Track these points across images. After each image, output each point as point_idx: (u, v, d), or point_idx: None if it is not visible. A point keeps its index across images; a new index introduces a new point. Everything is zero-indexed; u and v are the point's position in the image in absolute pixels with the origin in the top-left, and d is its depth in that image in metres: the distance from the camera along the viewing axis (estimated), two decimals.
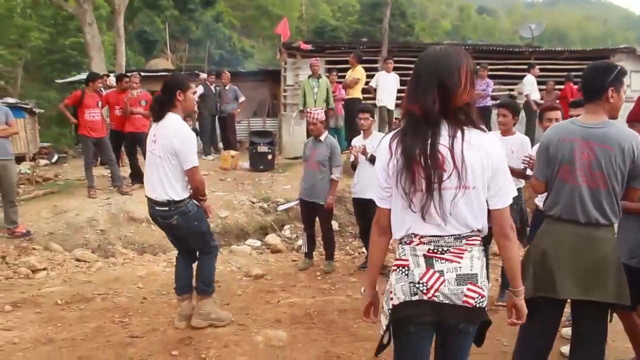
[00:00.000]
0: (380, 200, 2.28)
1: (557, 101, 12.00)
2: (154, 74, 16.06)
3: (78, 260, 6.75)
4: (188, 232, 4.37)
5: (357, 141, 6.42)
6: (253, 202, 8.58)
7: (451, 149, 2.06)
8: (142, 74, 14.73)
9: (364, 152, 6.14)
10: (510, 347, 3.97)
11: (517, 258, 2.26)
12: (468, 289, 2.13)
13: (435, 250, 2.14)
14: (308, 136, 9.91)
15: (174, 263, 6.50)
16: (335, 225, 8.27)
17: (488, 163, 2.11)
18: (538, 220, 3.86)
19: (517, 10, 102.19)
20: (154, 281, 5.96)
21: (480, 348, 2.35)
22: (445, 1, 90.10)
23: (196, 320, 4.51)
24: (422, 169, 2.08)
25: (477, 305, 2.14)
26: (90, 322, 4.67)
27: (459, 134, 2.08)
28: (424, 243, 2.16)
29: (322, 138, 6.31)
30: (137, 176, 9.30)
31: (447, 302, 2.12)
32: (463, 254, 2.15)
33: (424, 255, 2.15)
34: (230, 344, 4.25)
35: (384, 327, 2.27)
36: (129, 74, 9.98)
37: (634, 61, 15.38)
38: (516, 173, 5.04)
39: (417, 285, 2.13)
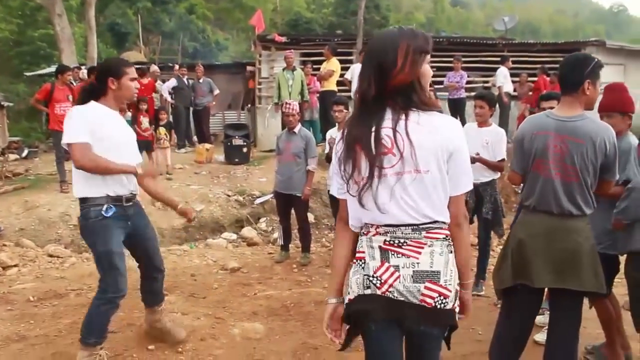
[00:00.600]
0: (339, 191, 2.12)
1: (530, 93, 12.18)
2: None
3: (51, 256, 6.65)
4: (87, 243, 3.61)
5: (332, 133, 6.43)
6: (229, 195, 8.56)
7: (396, 132, 1.94)
8: None
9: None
10: (484, 336, 4.03)
11: (469, 249, 2.14)
12: (426, 287, 1.95)
13: (392, 242, 1.98)
14: (283, 128, 9.92)
15: None
16: (311, 217, 8.28)
17: (443, 144, 1.95)
18: None
19: (490, 3, 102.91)
20: (129, 276, 5.86)
21: (455, 337, 2.23)
22: None
23: None
24: (363, 153, 1.96)
25: (438, 306, 1.96)
26: (64, 319, 4.61)
27: (402, 116, 1.95)
28: (380, 234, 2.01)
29: (296, 130, 6.31)
30: None
31: (402, 299, 1.96)
32: (422, 248, 1.97)
33: (380, 248, 2.00)
34: (207, 337, 4.24)
35: (345, 321, 2.14)
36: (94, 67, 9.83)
37: (604, 54, 15.60)
38: (492, 166, 5.11)
39: (370, 279, 1.98)
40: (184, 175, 9.60)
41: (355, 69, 11.05)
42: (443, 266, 1.98)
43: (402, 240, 1.97)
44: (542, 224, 3.00)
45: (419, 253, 1.96)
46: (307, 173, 6.32)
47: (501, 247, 3.55)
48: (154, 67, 12.70)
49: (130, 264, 6.19)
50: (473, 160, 4.91)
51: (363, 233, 2.07)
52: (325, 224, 8.31)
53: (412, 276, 1.95)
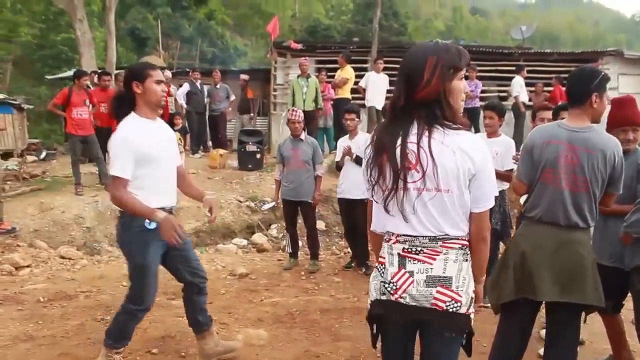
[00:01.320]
0: (368, 193, 2.23)
1: (545, 103, 12.07)
2: None
3: (63, 257, 6.75)
4: (123, 252, 3.57)
5: (343, 141, 6.45)
6: (240, 201, 8.60)
7: (420, 147, 2.00)
8: None
9: (349, 153, 6.18)
10: (489, 348, 4.01)
11: (487, 259, 2.24)
12: (437, 292, 2.05)
13: (410, 250, 2.09)
14: None
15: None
16: (322, 225, 8.30)
17: (465, 166, 2.01)
18: None
19: (509, 11, 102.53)
20: None
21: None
22: (438, 1, 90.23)
23: None
24: (389, 164, 2.04)
25: (450, 310, 2.04)
26: (72, 320, 4.68)
27: (426, 132, 2.00)
28: (399, 242, 2.12)
29: (302, 137, 6.36)
30: None
31: (414, 304, 2.07)
32: (437, 255, 2.07)
33: (399, 255, 2.11)
34: None
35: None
36: (110, 72, 10.00)
37: (622, 64, 15.48)
38: (500, 175, 5.08)
39: (386, 285, 2.11)
40: (197, 181, 9.63)
41: (370, 77, 11.07)
42: (456, 273, 2.07)
43: (419, 249, 2.08)
44: (548, 236, 2.99)
45: (434, 259, 2.07)
46: (315, 179, 6.37)
47: None
48: (167, 72, 12.81)
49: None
50: None
51: (385, 240, 2.18)
52: (336, 231, 8.32)
53: (425, 281, 2.05)
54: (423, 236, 2.07)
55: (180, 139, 9.96)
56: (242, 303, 5.28)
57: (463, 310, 2.06)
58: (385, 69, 11.26)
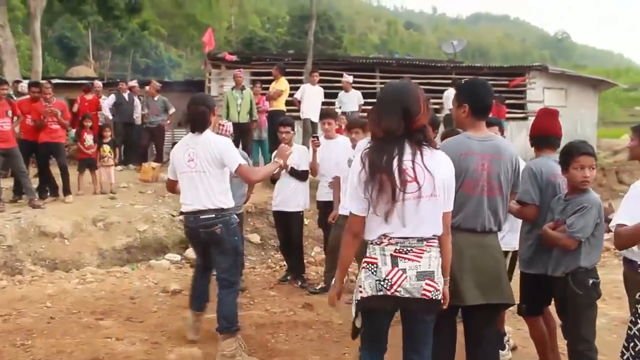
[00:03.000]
0: (359, 209, 2.60)
1: None
2: (74, 81, 15.47)
3: None
4: (225, 247, 4.28)
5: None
6: (173, 215, 8.36)
7: (415, 163, 2.50)
8: (62, 81, 14.22)
9: (284, 165, 6.12)
10: None
11: (451, 252, 2.74)
12: (426, 284, 2.56)
13: (400, 250, 2.55)
14: None
15: (87, 279, 6.35)
16: (257, 238, 8.21)
17: (446, 176, 2.59)
18: None
19: (442, 26, 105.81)
20: (64, 299, 5.68)
21: None
22: (373, 15, 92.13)
23: None
24: (389, 181, 2.46)
25: (433, 298, 2.59)
26: None
27: (418, 152, 2.52)
28: (391, 244, 2.56)
29: None
30: (52, 188, 8.91)
31: (407, 295, 2.54)
32: (423, 253, 2.57)
33: (391, 255, 2.56)
34: None
35: (354, 315, 2.72)
36: (40, 83, 9.57)
37: (546, 78, 16.24)
38: None
39: (382, 283, 2.54)
40: (128, 195, 9.38)
41: (306, 89, 11.06)
42: (436, 267, 2.61)
43: (408, 249, 2.56)
44: (466, 242, 3.10)
45: (421, 257, 2.57)
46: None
47: None
48: (97, 83, 12.41)
49: (66, 286, 5.99)
50: None
51: (376, 243, 2.61)
52: (272, 244, 8.23)
53: (416, 276, 2.55)
54: (414, 237, 2.56)
55: (110, 151, 9.65)
56: (175, 321, 5.09)
57: (440, 296, 2.63)
58: (320, 81, 11.31)
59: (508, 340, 4.31)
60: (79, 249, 7.39)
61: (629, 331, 2.73)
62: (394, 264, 2.54)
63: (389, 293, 2.54)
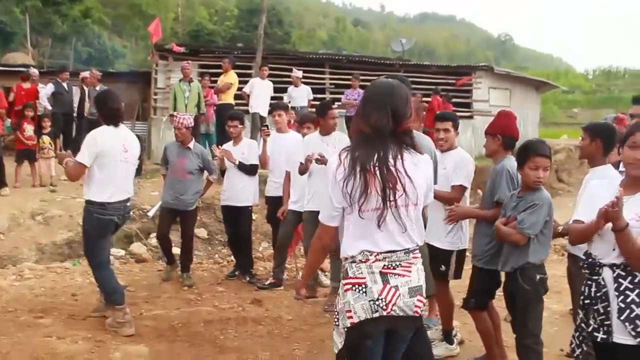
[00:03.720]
0: (330, 218, 2.40)
1: (424, 113, 12.66)
2: (10, 68, 14.82)
3: None
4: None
5: (227, 147, 6.30)
6: None
7: (396, 169, 2.27)
8: None
9: (232, 159, 6.05)
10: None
11: None
12: (418, 300, 2.36)
13: (389, 266, 2.31)
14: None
15: (25, 276, 6.10)
16: (204, 233, 8.09)
17: (428, 183, 2.42)
18: None
19: (390, 24, 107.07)
20: (0, 297, 5.43)
21: None
22: (322, 12, 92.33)
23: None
24: (374, 184, 2.24)
25: (421, 314, 2.41)
26: None
27: (399, 155, 2.29)
28: (379, 260, 2.30)
29: (190, 146, 6.07)
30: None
31: (401, 314, 2.31)
32: (411, 267, 2.35)
33: (380, 272, 2.30)
34: None
35: (340, 345, 2.39)
36: None
37: (492, 79, 16.67)
38: None
39: (377, 302, 2.28)
40: (69, 187, 9.02)
41: (255, 83, 10.98)
42: (423, 280, 2.41)
43: (396, 263, 2.32)
44: None
45: (410, 271, 2.34)
46: (206, 182, 6.30)
47: None
48: (33, 71, 11.86)
49: (2, 283, 5.74)
50: None
51: (361, 261, 2.32)
52: (219, 239, 8.11)
53: (408, 292, 2.32)
54: (402, 250, 2.33)
55: (50, 143, 9.30)
56: None
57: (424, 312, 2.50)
58: (270, 75, 11.24)
59: (455, 335, 4.41)
60: (16, 243, 7.08)
61: (578, 316, 2.76)
62: (385, 281, 2.29)
63: (384, 313, 2.29)
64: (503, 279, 3.68)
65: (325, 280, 6.07)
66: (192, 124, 6.13)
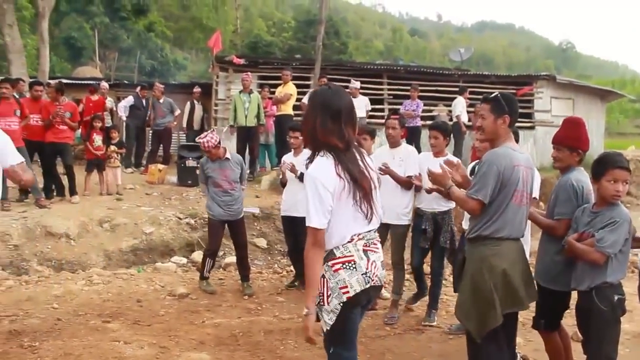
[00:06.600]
0: (325, 222, 2.58)
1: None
2: (80, 82, 15.46)
3: None
4: None
5: (287, 158, 6.36)
6: (180, 218, 8.32)
7: (367, 168, 2.69)
8: (68, 81, 14.18)
9: (293, 170, 6.09)
10: None
11: None
12: (385, 271, 2.81)
13: (367, 244, 2.67)
14: (238, 151, 9.76)
15: (94, 281, 6.30)
16: (263, 242, 8.16)
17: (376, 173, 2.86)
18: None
19: (447, 34, 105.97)
20: (71, 301, 5.63)
21: None
22: (378, 22, 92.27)
23: None
24: (365, 184, 2.62)
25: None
26: None
27: (359, 156, 2.69)
28: (360, 239, 2.65)
29: (228, 156, 6.13)
30: (58, 188, 8.86)
31: (379, 284, 2.70)
32: (378, 244, 2.76)
33: (363, 249, 2.65)
34: None
35: (330, 323, 2.58)
36: (38, 82, 9.58)
37: (554, 88, 16.16)
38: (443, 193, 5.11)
39: (367, 275, 2.62)
40: (134, 196, 9.34)
41: None
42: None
43: (371, 241, 2.70)
44: (515, 251, 3.29)
45: (378, 247, 2.74)
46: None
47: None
48: (104, 84, 12.36)
49: (73, 287, 5.96)
50: (429, 191, 4.97)
51: (348, 241, 2.63)
52: (278, 249, 8.17)
53: (381, 265, 2.72)
54: (373, 230, 2.72)
55: (116, 152, 9.62)
56: (182, 325, 5.06)
57: None
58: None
59: (518, 351, 4.26)
60: (85, 249, 7.34)
61: None
62: (367, 256, 2.64)
63: (372, 284, 2.63)
64: (575, 296, 3.53)
65: (385, 293, 6.00)
66: (218, 140, 6.11)
